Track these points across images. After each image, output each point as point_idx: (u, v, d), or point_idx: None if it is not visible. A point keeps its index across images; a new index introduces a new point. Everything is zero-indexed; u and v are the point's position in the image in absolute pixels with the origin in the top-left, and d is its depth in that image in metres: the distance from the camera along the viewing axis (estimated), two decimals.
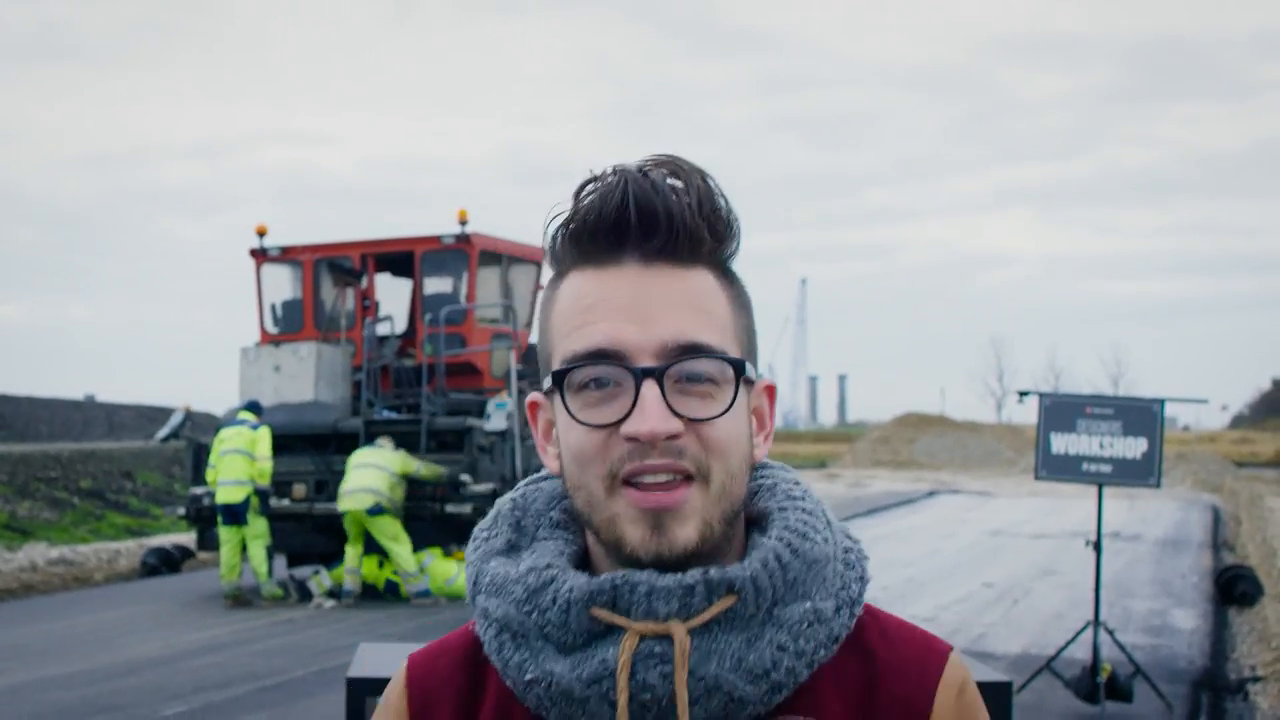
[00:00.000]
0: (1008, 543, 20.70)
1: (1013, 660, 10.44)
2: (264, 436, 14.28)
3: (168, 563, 17.82)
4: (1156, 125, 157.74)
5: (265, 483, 14.25)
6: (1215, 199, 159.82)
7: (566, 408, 1.24)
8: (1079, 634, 9.02)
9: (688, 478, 1.21)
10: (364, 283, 17.33)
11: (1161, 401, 8.92)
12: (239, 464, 14.10)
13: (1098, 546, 8.89)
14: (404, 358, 17.15)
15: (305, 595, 14.53)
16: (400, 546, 14.08)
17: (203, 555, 18.18)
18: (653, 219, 1.22)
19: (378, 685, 4.40)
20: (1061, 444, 8.98)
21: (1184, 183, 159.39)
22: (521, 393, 15.80)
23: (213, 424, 17.68)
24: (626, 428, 1.20)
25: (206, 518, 15.56)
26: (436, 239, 16.86)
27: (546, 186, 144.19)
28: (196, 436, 16.67)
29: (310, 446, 15.56)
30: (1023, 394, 9.35)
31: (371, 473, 14.05)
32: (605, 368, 1.22)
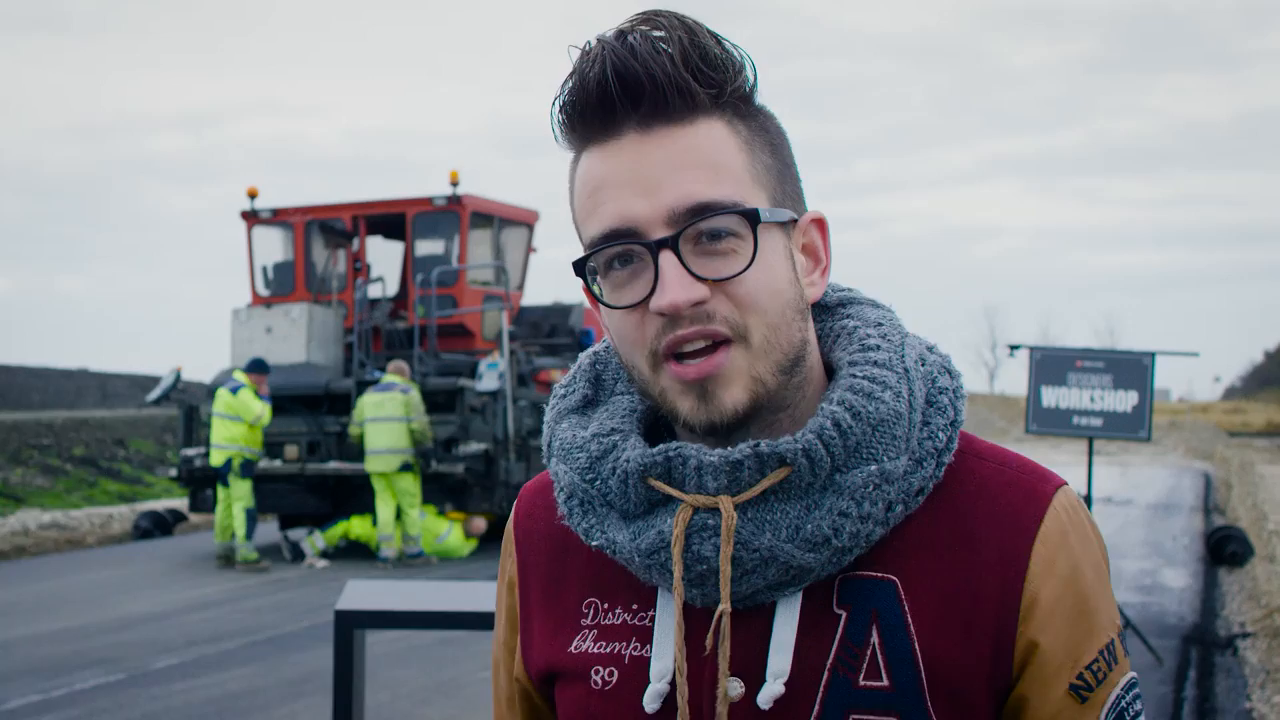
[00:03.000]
0: None
1: None
2: (244, 397, 13.97)
3: (160, 526, 17.84)
4: (1144, 96, 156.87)
5: (255, 445, 14.18)
6: (1203, 170, 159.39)
7: (598, 295, 1.23)
8: None
9: (725, 341, 1.18)
10: (355, 244, 17.28)
11: (1152, 354, 8.92)
12: (222, 427, 14.05)
13: (1088, 500, 8.90)
14: (396, 319, 17.13)
15: (298, 555, 14.53)
16: (415, 509, 14.19)
17: (195, 518, 18.21)
18: (635, 85, 1.18)
19: (366, 618, 4.41)
20: (1052, 397, 8.99)
21: (1172, 154, 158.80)
22: (513, 353, 15.80)
23: (203, 390, 17.65)
24: (652, 304, 1.18)
25: (198, 479, 15.58)
26: (428, 200, 16.82)
27: (532, 157, 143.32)
28: (188, 399, 16.63)
29: (302, 408, 15.55)
30: (1014, 347, 9.35)
31: (391, 429, 14.07)
32: (621, 247, 1.20)
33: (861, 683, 1.19)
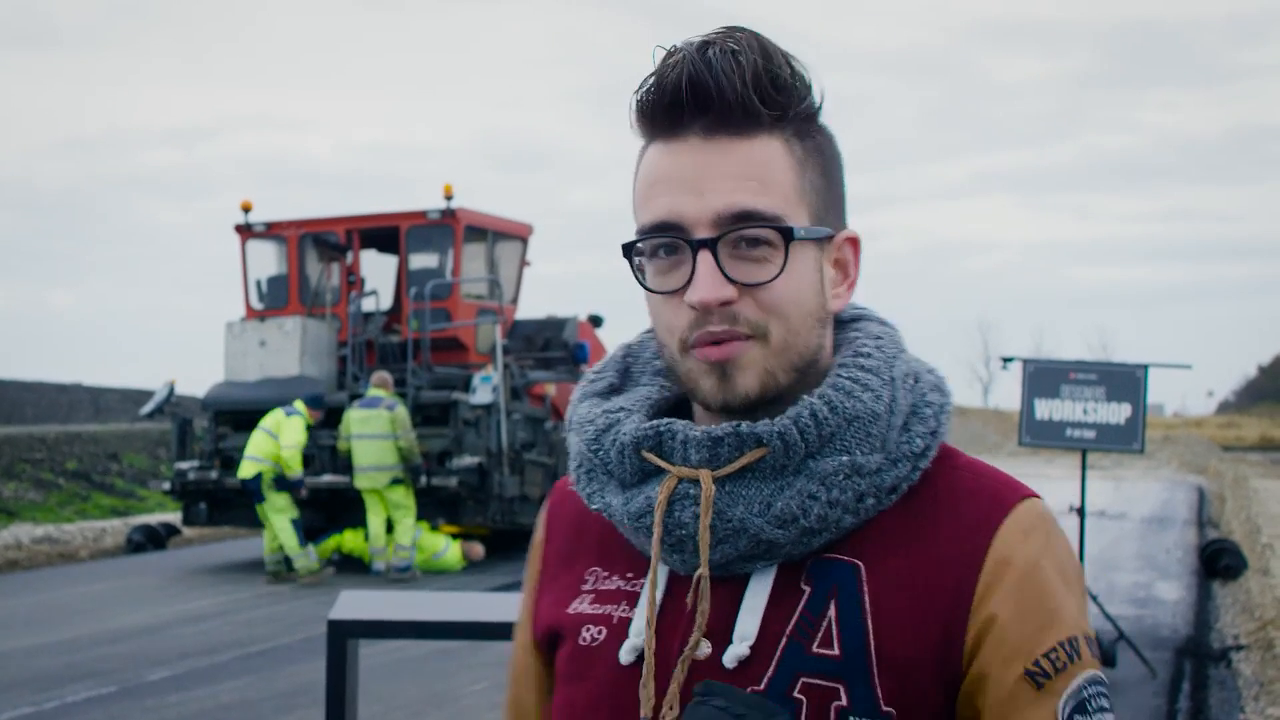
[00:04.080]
0: None
1: None
2: (294, 424, 13.98)
3: (153, 539, 17.78)
4: (1135, 111, 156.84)
5: (284, 468, 14.00)
6: (1195, 185, 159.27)
7: (640, 277, 1.35)
8: None
9: (747, 336, 1.30)
10: (349, 258, 17.29)
11: (1145, 367, 8.94)
12: (260, 441, 14.00)
13: (1081, 512, 8.92)
14: (389, 333, 17.12)
15: (290, 568, 14.48)
16: (407, 519, 14.13)
17: (188, 532, 18.18)
18: (705, 96, 1.28)
19: (359, 627, 4.39)
20: (1045, 410, 9.00)
21: (1164, 169, 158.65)
22: (507, 367, 15.80)
23: (196, 404, 17.61)
24: (686, 296, 1.30)
25: (191, 493, 15.56)
26: (422, 214, 16.81)
27: (524, 173, 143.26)
28: (181, 412, 16.61)
29: None
30: (1006, 360, 9.36)
31: (378, 446, 14.06)
32: (665, 239, 1.31)
33: (814, 649, 1.28)
